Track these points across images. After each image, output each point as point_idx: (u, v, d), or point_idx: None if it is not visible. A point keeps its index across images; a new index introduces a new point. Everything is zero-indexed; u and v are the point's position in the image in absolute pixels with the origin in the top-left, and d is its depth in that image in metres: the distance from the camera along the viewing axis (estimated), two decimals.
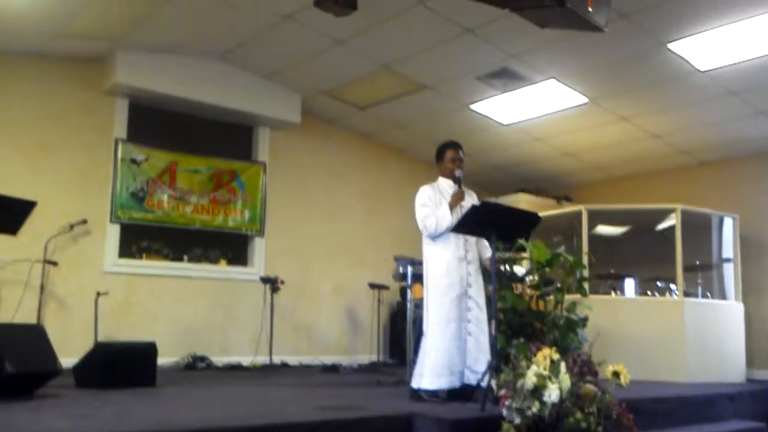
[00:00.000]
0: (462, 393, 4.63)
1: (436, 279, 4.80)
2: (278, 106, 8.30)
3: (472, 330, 4.75)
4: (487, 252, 4.96)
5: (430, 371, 4.63)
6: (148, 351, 5.44)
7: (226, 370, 7.36)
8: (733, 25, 5.75)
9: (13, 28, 6.43)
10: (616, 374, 3.98)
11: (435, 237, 4.84)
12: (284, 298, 7.91)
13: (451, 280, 4.76)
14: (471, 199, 4.95)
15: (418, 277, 5.51)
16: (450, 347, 4.66)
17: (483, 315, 4.81)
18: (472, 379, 4.66)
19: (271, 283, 7.33)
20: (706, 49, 6.18)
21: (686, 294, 7.46)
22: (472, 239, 4.93)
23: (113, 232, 7.48)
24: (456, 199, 4.80)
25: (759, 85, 6.75)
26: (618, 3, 5.07)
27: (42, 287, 6.81)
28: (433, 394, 4.61)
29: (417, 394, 4.65)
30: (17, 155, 6.98)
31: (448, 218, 4.75)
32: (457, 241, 4.83)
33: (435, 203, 4.86)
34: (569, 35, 5.53)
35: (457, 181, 4.89)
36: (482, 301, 4.86)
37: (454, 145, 5.04)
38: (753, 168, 8.32)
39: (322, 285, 8.89)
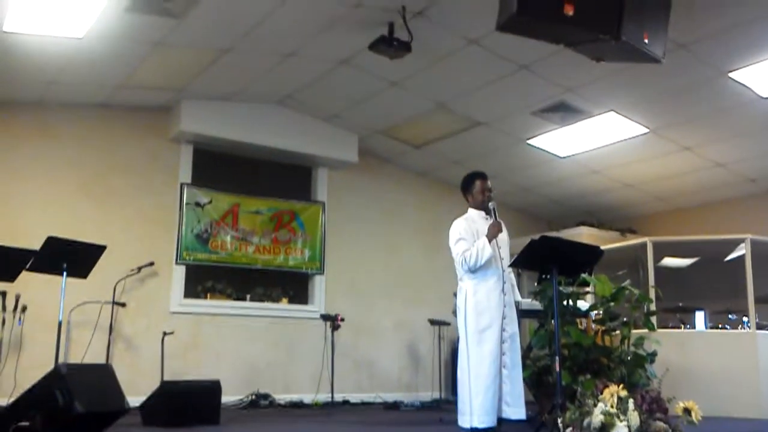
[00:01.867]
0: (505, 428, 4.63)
1: (478, 314, 4.75)
2: (336, 146, 8.46)
3: (507, 363, 4.72)
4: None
5: (480, 409, 4.59)
6: (213, 389, 5.51)
7: (288, 408, 7.40)
8: None
9: (77, 81, 6.74)
10: (687, 411, 3.85)
11: (475, 270, 4.79)
12: (345, 336, 7.93)
13: (492, 315, 4.72)
14: (504, 230, 4.95)
15: None
16: (494, 383, 4.63)
17: (516, 345, 4.81)
18: (508, 412, 4.64)
19: (332, 321, 7.37)
20: (767, 77, 6.03)
21: (759, 326, 7.17)
22: (507, 269, 4.89)
23: (179, 274, 7.69)
24: (495, 231, 4.77)
25: None
26: (675, 33, 5.01)
27: (111, 328, 7.02)
28: (492, 431, 4.57)
29: None
30: (88, 202, 7.28)
31: (488, 250, 4.72)
32: (497, 273, 4.79)
33: (472, 236, 4.83)
34: (626, 67, 5.48)
35: (491, 212, 4.87)
36: (515, 331, 4.84)
37: (483, 176, 5.05)
38: None
39: (382, 322, 8.89)
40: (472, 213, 5.04)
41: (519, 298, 5.18)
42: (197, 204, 7.84)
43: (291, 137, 8.11)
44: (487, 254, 4.72)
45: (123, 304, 7.16)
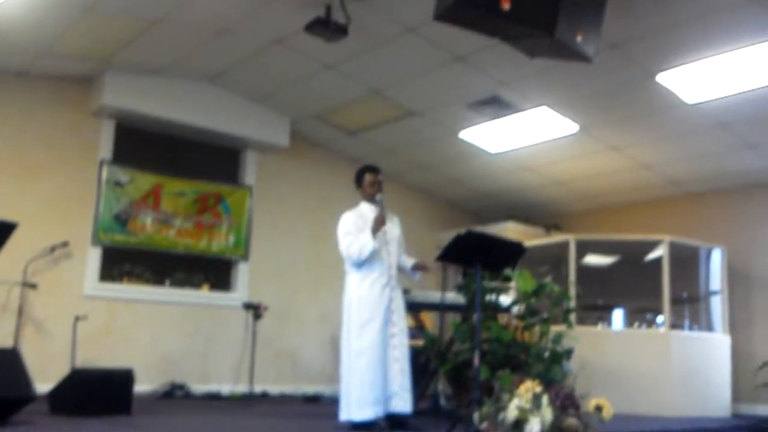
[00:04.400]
0: (398, 421, 4.66)
1: (360, 307, 4.77)
2: (266, 129, 8.25)
3: (398, 356, 4.75)
4: (408, 262, 5.06)
5: (358, 402, 4.59)
6: (125, 378, 5.30)
7: (204, 399, 7.19)
8: (722, 57, 5.76)
9: None
10: (598, 408, 3.93)
11: (360, 264, 4.83)
12: (267, 325, 7.77)
13: (376, 309, 4.75)
14: (392, 223, 5.02)
15: (409, 307, 5.48)
16: (374, 376, 4.64)
17: (406, 339, 4.86)
18: (400, 405, 4.67)
19: (254, 309, 7.22)
20: (695, 81, 6.18)
21: (673, 326, 7.41)
22: (394, 263, 4.94)
23: (94, 255, 7.37)
24: (377, 224, 4.80)
25: (748, 118, 6.75)
26: (608, 33, 5.07)
27: (20, 310, 6.67)
28: (370, 424, 4.58)
29: (357, 426, 4.60)
30: None
31: (370, 244, 4.75)
32: (381, 268, 4.85)
33: (358, 229, 4.86)
34: (560, 64, 5.52)
35: (377, 204, 4.91)
36: (404, 325, 4.90)
37: (373, 169, 5.11)
38: (741, 200, 8.32)
39: (307, 312, 8.76)
40: (363, 206, 5.09)
41: (407, 263, 5.13)
42: (117, 183, 7.52)
43: (220, 117, 7.86)
44: (370, 248, 4.75)
45: (34, 286, 6.80)
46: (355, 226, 4.89)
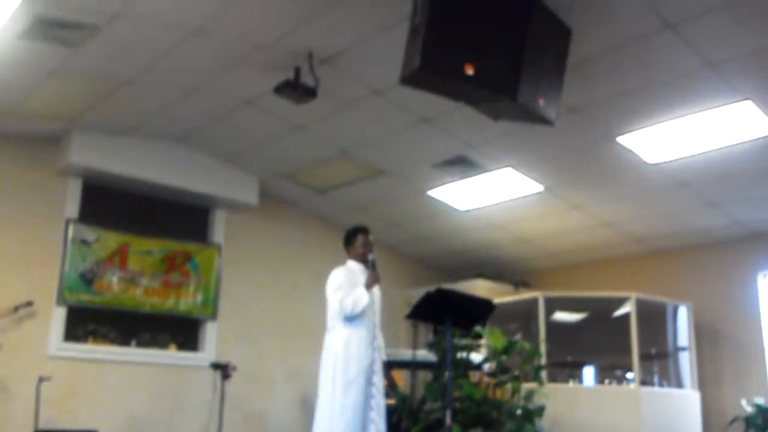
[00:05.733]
0: None
1: (347, 365, 4.80)
2: (235, 188, 8.26)
3: (374, 417, 4.81)
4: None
5: None
6: None
7: None
8: (682, 119, 5.94)
9: None
10: None
11: (351, 319, 4.89)
12: (236, 386, 7.62)
13: (360, 366, 4.78)
14: (377, 287, 5.13)
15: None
16: None
17: (383, 400, 4.92)
18: None
19: (222, 370, 7.10)
20: (655, 142, 6.36)
21: (643, 382, 7.44)
22: (378, 324, 5.07)
23: (59, 315, 7.21)
24: (372, 280, 4.95)
25: (708, 178, 6.93)
26: (570, 97, 5.24)
27: None
28: None
29: None
30: None
31: (365, 297, 4.86)
32: (368, 325, 4.88)
33: (350, 284, 4.96)
34: (523, 126, 5.67)
35: (371, 264, 5.04)
36: (382, 386, 4.97)
37: (364, 230, 5.30)
38: (705, 257, 8.48)
39: (275, 372, 8.62)
40: (351, 264, 5.22)
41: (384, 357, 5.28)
42: (83, 241, 7.43)
43: (188, 176, 7.86)
44: (365, 302, 4.85)
45: None
46: (347, 281, 4.98)
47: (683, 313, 8.17)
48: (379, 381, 4.89)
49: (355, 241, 5.23)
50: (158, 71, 5.88)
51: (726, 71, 5.21)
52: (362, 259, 5.14)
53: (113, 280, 7.55)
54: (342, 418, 4.63)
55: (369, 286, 4.90)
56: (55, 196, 7.39)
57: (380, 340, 5.12)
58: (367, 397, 4.76)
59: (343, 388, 4.72)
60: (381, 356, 5.10)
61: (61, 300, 7.22)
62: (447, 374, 4.52)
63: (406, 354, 6.16)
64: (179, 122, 7.19)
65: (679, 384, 8.00)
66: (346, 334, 4.88)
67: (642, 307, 7.60)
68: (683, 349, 8.13)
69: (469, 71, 4.13)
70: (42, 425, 6.43)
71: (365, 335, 4.88)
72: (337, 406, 4.68)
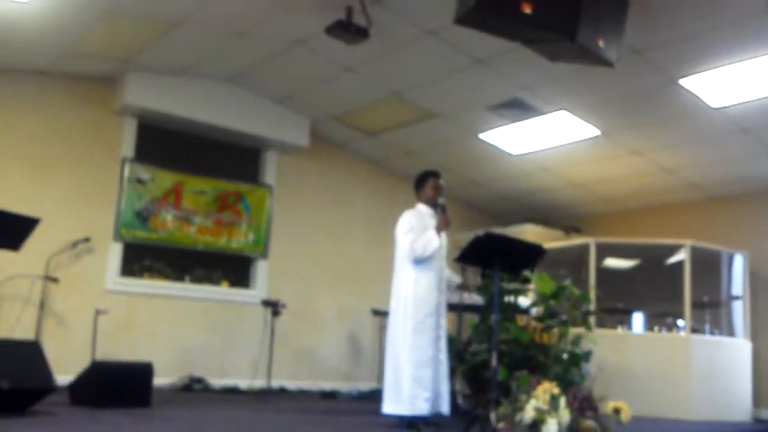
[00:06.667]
0: (433, 422, 4.73)
1: (418, 304, 4.83)
2: (287, 129, 8.30)
3: (442, 359, 4.87)
4: (455, 278, 5.24)
5: (417, 397, 4.65)
6: (144, 371, 5.38)
7: (222, 393, 7.26)
8: (746, 63, 5.71)
9: (17, 46, 6.43)
10: (616, 411, 3.93)
11: (420, 262, 4.89)
12: (285, 322, 7.81)
13: (430, 307, 4.82)
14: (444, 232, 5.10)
15: None
16: (431, 372, 4.73)
17: (446, 343, 4.97)
18: (444, 407, 4.80)
19: (273, 307, 7.26)
20: (719, 86, 6.13)
21: (694, 330, 7.35)
22: (444, 268, 5.06)
23: (116, 251, 7.46)
24: (443, 224, 4.91)
25: None
26: (631, 38, 5.05)
27: (42, 304, 6.77)
28: (421, 420, 4.63)
29: (409, 421, 4.64)
30: (22, 171, 6.98)
31: (436, 241, 4.84)
32: (436, 268, 4.89)
33: (420, 227, 4.93)
34: (581, 68, 5.51)
35: (440, 207, 4.99)
36: (446, 328, 5.02)
37: (435, 174, 5.19)
38: (764, 205, 8.23)
39: (324, 310, 8.81)
40: (421, 207, 5.15)
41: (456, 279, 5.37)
42: (138, 180, 7.61)
43: (240, 117, 7.92)
44: (435, 245, 4.82)
45: (55, 280, 6.90)
46: (418, 223, 4.95)
47: (738, 262, 7.99)
48: (444, 323, 4.94)
49: (425, 184, 5.16)
50: (210, 11, 5.87)
51: None
52: (432, 203, 5.08)
53: (168, 218, 7.74)
54: (418, 355, 4.70)
55: (440, 229, 4.87)
56: (112, 135, 7.56)
57: (448, 272, 5.13)
58: (436, 338, 4.82)
59: (413, 328, 4.77)
60: (454, 280, 5.22)
61: (117, 236, 7.44)
62: (494, 317, 4.53)
63: (453, 296, 6.19)
64: (231, 63, 7.20)
65: (731, 333, 7.89)
66: (415, 277, 4.88)
67: (696, 254, 7.46)
68: (737, 297, 7.98)
69: (527, 10, 4.02)
70: (99, 356, 6.70)
71: (433, 277, 4.89)
72: (412, 344, 4.74)
